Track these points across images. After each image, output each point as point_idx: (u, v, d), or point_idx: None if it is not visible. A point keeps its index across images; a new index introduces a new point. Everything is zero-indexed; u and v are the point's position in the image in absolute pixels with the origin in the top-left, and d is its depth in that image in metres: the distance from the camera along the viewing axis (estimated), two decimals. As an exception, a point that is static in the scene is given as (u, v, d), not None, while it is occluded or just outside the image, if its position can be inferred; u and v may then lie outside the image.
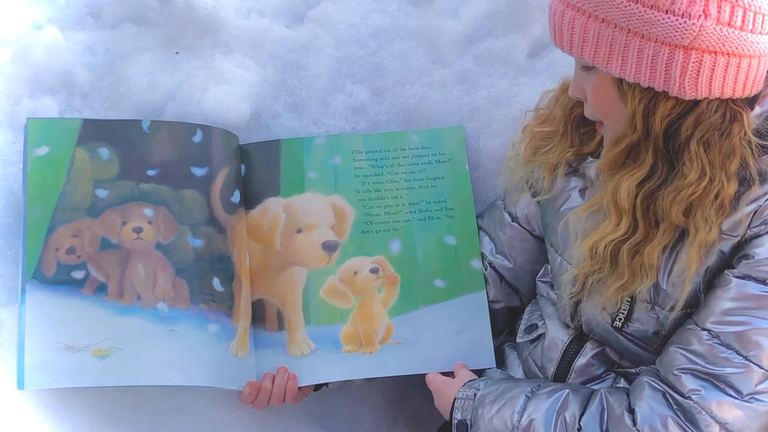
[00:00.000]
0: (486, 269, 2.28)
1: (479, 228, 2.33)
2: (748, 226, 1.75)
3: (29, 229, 2.13)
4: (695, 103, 1.73)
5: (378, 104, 2.50)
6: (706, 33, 1.65)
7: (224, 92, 2.43)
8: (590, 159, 2.03)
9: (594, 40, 1.72)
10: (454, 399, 2.01)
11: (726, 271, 1.78)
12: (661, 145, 1.77)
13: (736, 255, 1.77)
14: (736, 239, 1.76)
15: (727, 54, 1.68)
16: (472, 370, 2.16)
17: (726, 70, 1.70)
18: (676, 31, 1.65)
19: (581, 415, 1.85)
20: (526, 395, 1.93)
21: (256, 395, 2.12)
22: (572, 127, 2.05)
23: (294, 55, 2.53)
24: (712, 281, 1.81)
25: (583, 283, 1.91)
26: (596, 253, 1.84)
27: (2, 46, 2.55)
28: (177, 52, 2.54)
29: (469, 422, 1.96)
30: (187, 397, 2.18)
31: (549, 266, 2.16)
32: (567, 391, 1.91)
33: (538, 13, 2.47)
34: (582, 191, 2.04)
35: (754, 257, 1.74)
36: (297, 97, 2.51)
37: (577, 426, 1.84)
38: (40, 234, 2.13)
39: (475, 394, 1.99)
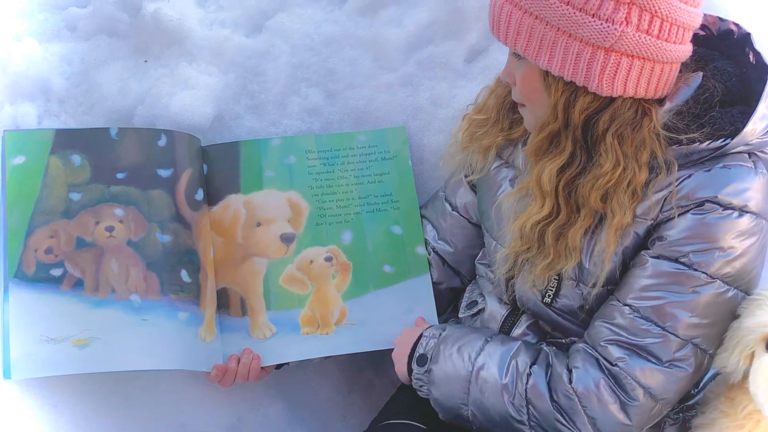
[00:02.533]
0: (430, 254, 2.28)
1: (423, 217, 2.33)
2: (660, 210, 1.77)
3: (9, 232, 2.11)
4: (611, 99, 1.74)
5: (331, 106, 2.49)
6: (626, 38, 1.67)
7: (189, 97, 2.42)
8: (519, 150, 2.04)
9: (527, 34, 1.72)
10: (420, 336, 2.01)
11: (642, 252, 1.80)
12: (580, 136, 1.78)
13: (650, 237, 1.80)
14: (649, 222, 1.79)
15: (643, 58, 1.71)
16: None
17: (640, 72, 1.72)
18: (600, 34, 1.67)
19: (532, 363, 1.87)
20: (485, 339, 1.94)
21: (223, 376, 2.11)
22: (503, 114, 2.04)
23: (253, 61, 2.53)
24: (629, 260, 1.83)
25: (514, 262, 1.93)
26: (524, 233, 1.85)
27: (-16, 58, 2.60)
28: (146, 61, 2.53)
29: (430, 356, 1.96)
30: (158, 375, 2.18)
31: (485, 249, 2.16)
32: (520, 342, 1.93)
33: (474, 21, 2.47)
34: (512, 180, 2.04)
35: (666, 239, 1.76)
36: (256, 100, 2.50)
37: (527, 371, 1.86)
38: (20, 236, 2.11)
39: (440, 334, 1.99)
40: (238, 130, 2.45)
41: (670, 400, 1.82)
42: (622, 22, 1.65)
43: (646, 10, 1.67)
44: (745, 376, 1.75)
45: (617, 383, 1.79)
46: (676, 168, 1.75)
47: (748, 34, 1.89)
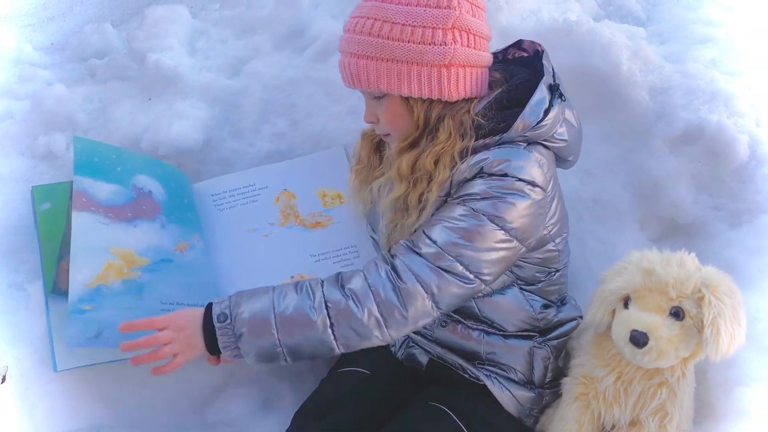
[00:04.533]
0: (370, 241, 2.20)
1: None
2: (449, 184, 1.80)
3: (44, 260, 2.09)
4: (454, 102, 1.80)
5: (294, 131, 2.50)
6: (458, 53, 1.74)
7: (184, 126, 2.44)
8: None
9: (385, 75, 1.75)
10: (210, 306, 1.77)
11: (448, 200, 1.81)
12: (432, 130, 1.82)
13: (453, 192, 1.81)
14: (443, 194, 1.81)
15: (470, 66, 1.78)
16: None
17: (471, 76, 1.79)
18: (439, 56, 1.73)
19: (321, 281, 1.78)
20: (273, 287, 1.79)
21: None
22: (373, 158, 2.05)
23: (233, 98, 2.55)
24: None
25: (393, 227, 1.91)
26: (395, 206, 1.87)
27: (24, 99, 2.62)
28: (150, 99, 2.55)
29: (228, 311, 1.74)
30: None
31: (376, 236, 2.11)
32: (307, 281, 1.80)
33: None
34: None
35: (461, 192, 1.77)
36: (236, 127, 2.51)
37: (319, 282, 1.77)
38: (53, 263, 2.09)
39: (229, 296, 1.78)
40: (222, 151, 2.47)
41: (439, 300, 1.75)
42: (452, 42, 1.73)
43: (463, 30, 1.74)
44: (609, 327, 1.81)
45: (395, 271, 1.74)
46: (473, 142, 1.79)
47: (543, 51, 1.93)
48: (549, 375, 1.99)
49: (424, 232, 1.78)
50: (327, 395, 1.98)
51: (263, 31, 2.70)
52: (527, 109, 1.82)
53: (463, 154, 1.80)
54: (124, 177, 2.14)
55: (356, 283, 1.75)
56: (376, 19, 1.74)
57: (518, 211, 1.76)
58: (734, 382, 1.92)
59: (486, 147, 1.81)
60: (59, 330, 1.98)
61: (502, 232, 1.76)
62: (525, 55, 1.99)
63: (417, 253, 1.76)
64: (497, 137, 1.81)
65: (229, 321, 1.74)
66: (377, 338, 1.75)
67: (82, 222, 2.02)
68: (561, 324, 2.01)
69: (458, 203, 1.78)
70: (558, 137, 1.89)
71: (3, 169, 2.38)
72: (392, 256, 1.78)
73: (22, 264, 2.23)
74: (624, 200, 2.26)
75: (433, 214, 1.82)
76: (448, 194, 1.82)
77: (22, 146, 2.47)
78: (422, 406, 1.90)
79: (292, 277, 2.19)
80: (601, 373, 1.87)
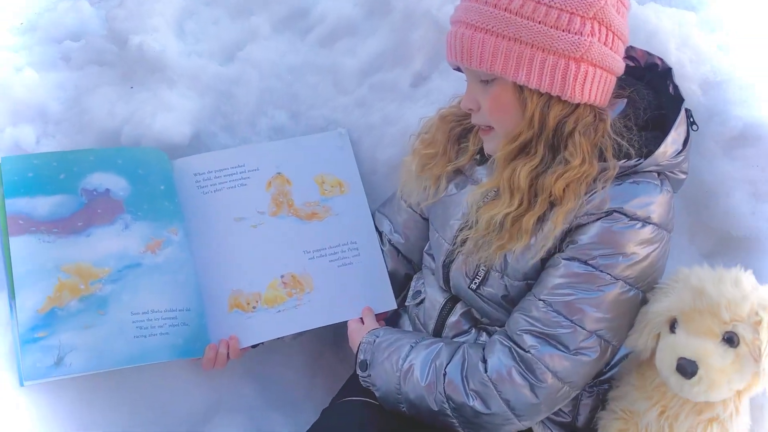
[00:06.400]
0: (386, 246, 2.22)
1: (381, 214, 2.26)
2: (575, 216, 1.75)
3: (7, 255, 1.99)
4: (576, 105, 1.72)
5: (295, 125, 2.45)
6: (593, 48, 1.67)
7: (170, 118, 2.37)
8: (473, 165, 2.00)
9: (503, 56, 1.68)
10: (360, 343, 1.98)
11: (556, 255, 1.78)
12: (550, 139, 1.75)
13: (564, 240, 1.77)
14: (567, 226, 1.76)
15: (602, 68, 1.70)
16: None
17: (600, 81, 1.71)
18: (572, 45, 1.66)
19: (447, 363, 1.84)
20: (410, 345, 1.90)
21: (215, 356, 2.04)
22: (451, 146, 2.00)
23: (226, 87, 2.49)
24: (546, 261, 1.80)
25: (473, 243, 1.88)
26: (491, 223, 1.80)
27: (-13, 87, 2.60)
28: (131, 87, 2.48)
29: (368, 362, 1.93)
30: (141, 368, 2.02)
31: (430, 242, 2.11)
32: (441, 344, 1.89)
33: (417, 51, 2.44)
34: (456, 185, 2.00)
35: (578, 242, 1.74)
36: (229, 120, 2.47)
37: (443, 371, 1.83)
38: None
39: (374, 340, 1.96)
40: (213, 147, 2.42)
41: (576, 383, 1.79)
42: (588, 34, 1.66)
43: (603, 25, 1.67)
44: (653, 353, 1.74)
45: (528, 368, 1.77)
46: (616, 170, 1.74)
47: (670, 69, 1.89)
48: (594, 421, 1.96)
49: (552, 308, 1.77)
50: (330, 427, 1.92)
51: (261, 11, 2.63)
52: (672, 135, 1.78)
53: (599, 181, 1.75)
54: (70, 183, 2.07)
55: (479, 381, 1.80)
56: None
57: (649, 263, 1.76)
58: (797, 420, 1.92)
59: (617, 176, 1.76)
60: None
61: (637, 290, 1.78)
62: (632, 65, 1.92)
63: (550, 338, 1.77)
64: (632, 162, 1.75)
65: (367, 374, 1.93)
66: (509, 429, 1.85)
67: (21, 247, 1.98)
68: (612, 367, 1.98)
69: (583, 262, 1.75)
70: (682, 171, 1.88)
71: (-36, 165, 2.37)
72: (519, 346, 1.80)
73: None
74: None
75: (547, 257, 1.81)
76: (557, 244, 1.79)
77: (-15, 139, 2.45)
78: None
79: (282, 276, 2.15)
80: (643, 407, 1.82)
